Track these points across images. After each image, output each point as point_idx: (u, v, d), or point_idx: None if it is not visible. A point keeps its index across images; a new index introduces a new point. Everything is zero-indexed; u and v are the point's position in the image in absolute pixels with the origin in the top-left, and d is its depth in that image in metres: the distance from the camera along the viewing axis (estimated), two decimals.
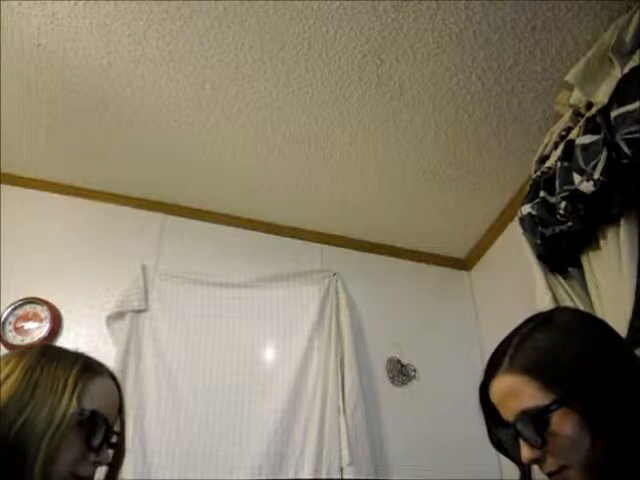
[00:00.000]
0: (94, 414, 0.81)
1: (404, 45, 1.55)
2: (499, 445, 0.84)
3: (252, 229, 2.46)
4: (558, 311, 0.86)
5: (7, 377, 0.79)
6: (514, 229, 1.87)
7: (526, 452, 0.75)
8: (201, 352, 2.09)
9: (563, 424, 0.71)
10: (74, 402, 0.79)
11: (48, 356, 0.85)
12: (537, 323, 0.82)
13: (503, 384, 0.79)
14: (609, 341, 0.78)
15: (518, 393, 0.76)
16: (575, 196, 1.36)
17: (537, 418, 0.73)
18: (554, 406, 0.72)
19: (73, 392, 0.80)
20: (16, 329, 2.03)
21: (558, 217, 1.44)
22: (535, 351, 0.78)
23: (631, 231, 1.31)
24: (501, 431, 0.82)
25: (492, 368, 0.82)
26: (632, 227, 1.31)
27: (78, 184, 2.38)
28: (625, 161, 1.21)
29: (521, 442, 0.76)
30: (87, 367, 0.86)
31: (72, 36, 1.63)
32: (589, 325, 0.81)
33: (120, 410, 0.91)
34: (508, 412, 0.78)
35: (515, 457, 0.81)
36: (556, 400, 0.72)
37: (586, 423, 0.70)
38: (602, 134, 1.26)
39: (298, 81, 1.70)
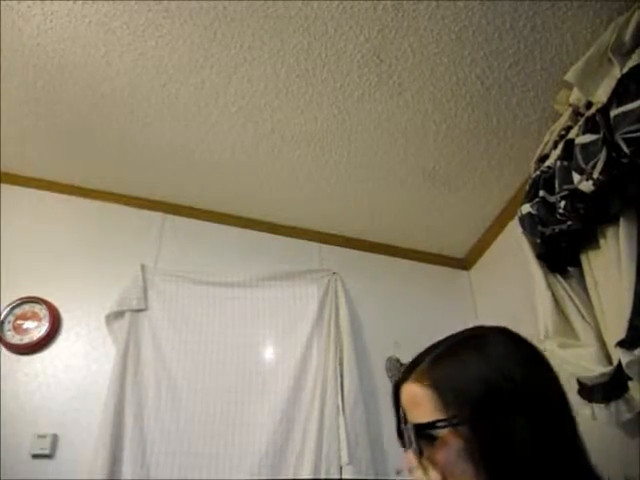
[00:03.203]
0: None
1: (403, 44, 1.54)
2: (402, 441, 0.86)
3: (251, 228, 2.46)
4: (494, 334, 0.84)
5: None
6: (514, 228, 1.87)
7: (409, 457, 0.78)
8: (200, 351, 2.09)
9: (446, 444, 0.73)
10: None
11: None
12: (467, 340, 0.83)
13: (410, 392, 0.81)
14: (532, 378, 0.77)
15: (419, 404, 0.78)
16: (574, 195, 1.36)
17: (423, 431, 0.75)
18: (441, 424, 0.74)
19: None
20: (15, 328, 2.03)
21: (558, 216, 1.44)
22: (450, 369, 0.79)
23: (630, 230, 1.30)
24: (404, 429, 0.84)
25: (408, 371, 0.84)
26: (631, 226, 1.31)
27: (77, 183, 2.38)
28: (625, 160, 1.21)
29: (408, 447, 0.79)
30: None
31: (71, 35, 1.63)
32: (517, 357, 0.79)
33: None
34: (409, 417, 0.81)
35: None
36: (445, 419, 0.74)
37: (468, 451, 0.72)
38: (601, 133, 1.26)
39: (298, 80, 1.70)
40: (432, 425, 0.75)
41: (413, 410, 0.80)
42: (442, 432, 0.74)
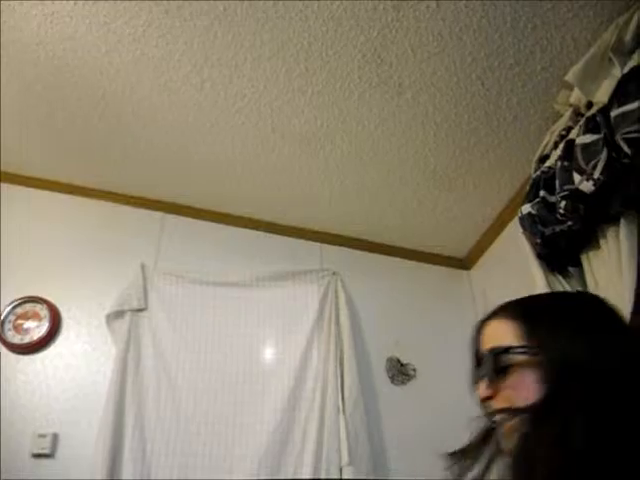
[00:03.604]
0: None
1: (404, 44, 1.54)
2: (476, 382, 0.82)
3: (251, 228, 2.46)
4: (590, 296, 0.84)
5: None
6: (514, 228, 1.87)
7: (481, 389, 0.76)
8: (201, 351, 2.09)
9: (522, 370, 0.71)
10: None
11: None
12: (567, 293, 0.81)
13: (495, 325, 0.79)
14: (623, 343, 0.73)
15: (502, 334, 0.76)
16: (575, 195, 1.36)
17: (500, 354, 0.74)
18: (521, 349, 0.72)
19: None
20: (15, 328, 2.03)
21: (558, 216, 1.44)
22: (540, 306, 0.79)
23: (631, 231, 1.31)
24: (474, 371, 0.82)
25: (496, 310, 0.82)
26: (632, 227, 1.31)
27: (77, 183, 2.38)
28: (625, 160, 1.21)
29: (480, 381, 0.77)
30: None
31: (72, 35, 1.63)
32: (612, 322, 0.77)
33: None
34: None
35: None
36: (526, 345, 0.72)
37: (542, 383, 0.69)
38: (602, 133, 1.26)
39: (298, 80, 1.70)
40: (513, 348, 0.73)
41: (493, 341, 0.77)
42: (522, 358, 0.72)
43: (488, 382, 0.75)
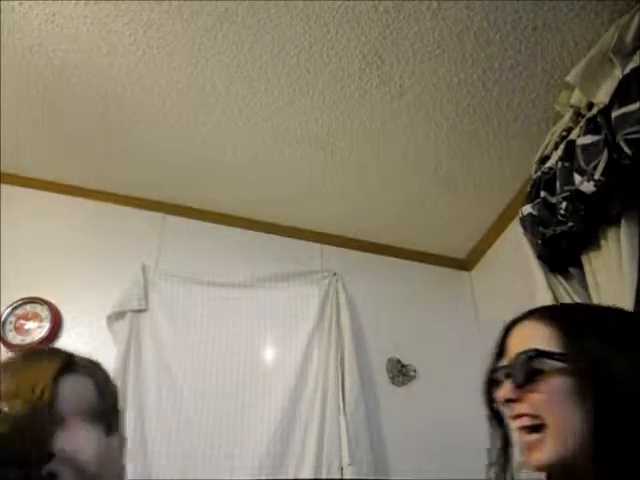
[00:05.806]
0: None
1: (405, 45, 1.54)
2: (491, 387, 0.79)
3: (252, 229, 2.46)
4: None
5: None
6: (514, 229, 1.87)
7: (504, 389, 0.73)
8: (201, 352, 2.09)
9: (557, 378, 0.69)
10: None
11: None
12: (613, 307, 0.81)
13: (527, 327, 0.77)
14: None
15: (536, 336, 0.74)
16: (576, 196, 1.36)
17: (534, 357, 0.71)
18: (558, 357, 0.70)
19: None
20: (16, 329, 2.03)
21: (559, 217, 1.44)
22: (574, 313, 0.79)
23: (631, 231, 1.30)
24: (496, 369, 0.79)
25: (526, 313, 0.80)
26: (632, 227, 1.31)
27: (78, 184, 2.38)
28: (626, 161, 1.21)
29: (505, 381, 0.74)
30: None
31: (72, 36, 1.63)
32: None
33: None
34: (514, 352, 0.75)
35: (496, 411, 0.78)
36: (565, 354, 0.70)
37: (579, 394, 0.67)
38: (603, 134, 1.26)
39: (299, 81, 1.70)
40: (550, 354, 0.70)
41: (525, 342, 0.74)
42: (557, 365, 0.69)
43: (516, 384, 0.72)
